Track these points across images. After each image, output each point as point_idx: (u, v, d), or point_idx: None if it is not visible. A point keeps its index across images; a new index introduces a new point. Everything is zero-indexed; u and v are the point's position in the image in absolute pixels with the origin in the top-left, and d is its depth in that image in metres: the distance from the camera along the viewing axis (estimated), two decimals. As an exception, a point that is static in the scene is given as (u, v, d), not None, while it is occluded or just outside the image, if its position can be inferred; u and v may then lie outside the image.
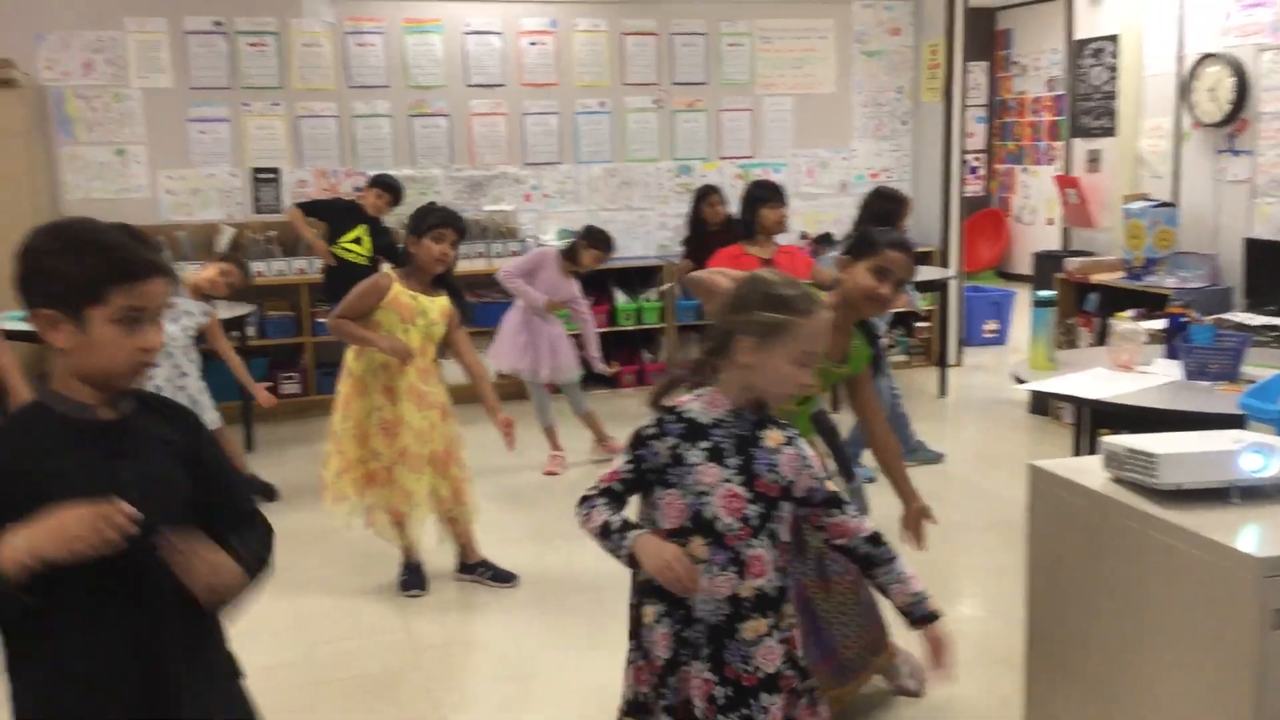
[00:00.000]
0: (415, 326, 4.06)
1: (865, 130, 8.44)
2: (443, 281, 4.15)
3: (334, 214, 6.67)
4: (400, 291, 4.06)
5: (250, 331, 6.92)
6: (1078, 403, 3.57)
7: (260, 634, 3.94)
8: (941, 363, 7.67)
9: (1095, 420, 3.75)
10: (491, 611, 4.15)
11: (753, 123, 8.17)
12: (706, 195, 6.90)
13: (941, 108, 8.21)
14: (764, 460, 2.17)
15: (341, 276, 6.10)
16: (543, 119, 7.73)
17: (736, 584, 2.14)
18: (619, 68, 7.84)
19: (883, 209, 5.60)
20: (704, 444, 2.16)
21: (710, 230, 6.76)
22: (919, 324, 8.38)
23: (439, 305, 4.11)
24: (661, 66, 7.92)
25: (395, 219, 6.67)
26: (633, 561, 2.12)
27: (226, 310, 6.12)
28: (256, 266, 7.00)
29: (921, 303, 8.22)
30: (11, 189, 6.38)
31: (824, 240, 7.22)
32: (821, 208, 8.34)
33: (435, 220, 4.03)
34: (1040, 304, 4.04)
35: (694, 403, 2.22)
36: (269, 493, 5.45)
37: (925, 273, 7.62)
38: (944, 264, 8.29)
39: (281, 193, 7.30)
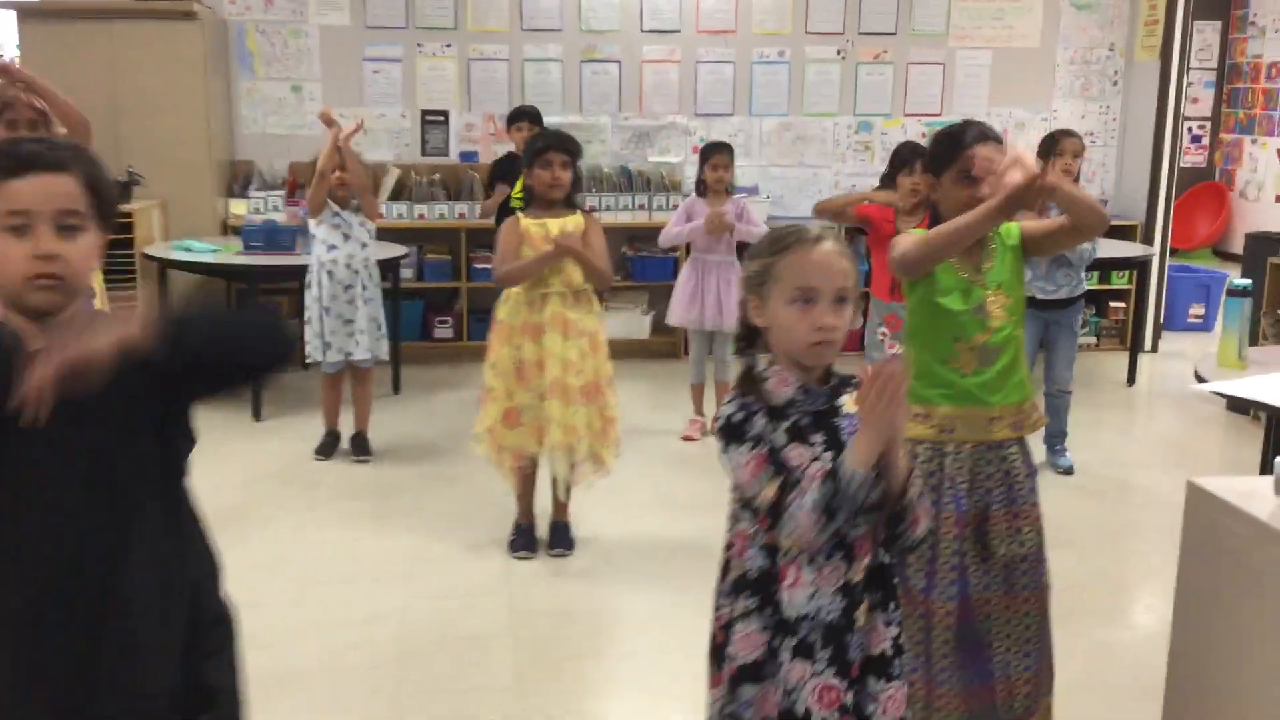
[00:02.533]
0: None
1: (1070, 90, 7.78)
2: (571, 202, 4.04)
3: (508, 172, 6.49)
4: (529, 224, 3.98)
5: (407, 274, 6.91)
6: (1261, 409, 3.09)
7: (363, 581, 3.89)
8: (1133, 347, 7.02)
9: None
10: (601, 582, 3.96)
11: (944, 77, 7.64)
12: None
13: (1158, 68, 7.48)
14: (850, 428, 1.91)
15: None
16: (717, 68, 7.42)
17: (845, 570, 1.90)
18: (801, 15, 7.43)
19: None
20: (784, 424, 1.91)
21: None
22: (1114, 304, 7.72)
23: (571, 225, 3.98)
24: (847, 15, 7.47)
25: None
26: (877, 479, 1.80)
27: (382, 253, 6.09)
28: (419, 210, 6.99)
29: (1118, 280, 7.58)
30: (189, 120, 6.52)
31: None
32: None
33: (540, 146, 3.96)
34: (1234, 293, 3.53)
35: (766, 384, 1.95)
36: (364, 449, 5.22)
37: (1122, 249, 6.98)
38: (1147, 240, 7.59)
39: (450, 136, 7.26)
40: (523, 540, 4.15)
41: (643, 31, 7.30)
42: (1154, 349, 7.64)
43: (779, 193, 7.52)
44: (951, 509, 2.58)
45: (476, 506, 4.57)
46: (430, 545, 4.23)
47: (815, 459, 1.88)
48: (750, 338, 1.99)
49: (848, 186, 7.55)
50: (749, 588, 1.94)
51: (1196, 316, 8.33)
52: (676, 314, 5.58)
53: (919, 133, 7.58)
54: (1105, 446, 5.60)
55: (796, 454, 1.88)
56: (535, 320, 3.95)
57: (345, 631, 3.51)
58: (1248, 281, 3.54)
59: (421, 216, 6.98)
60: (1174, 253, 10.43)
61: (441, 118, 7.24)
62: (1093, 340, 7.68)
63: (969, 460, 2.61)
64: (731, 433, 1.92)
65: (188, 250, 5.92)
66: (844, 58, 7.53)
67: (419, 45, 7.15)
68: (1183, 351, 7.71)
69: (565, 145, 3.95)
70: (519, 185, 6.24)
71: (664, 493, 4.86)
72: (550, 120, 7.12)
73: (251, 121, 7.09)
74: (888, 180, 4.85)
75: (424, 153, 7.26)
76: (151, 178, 6.43)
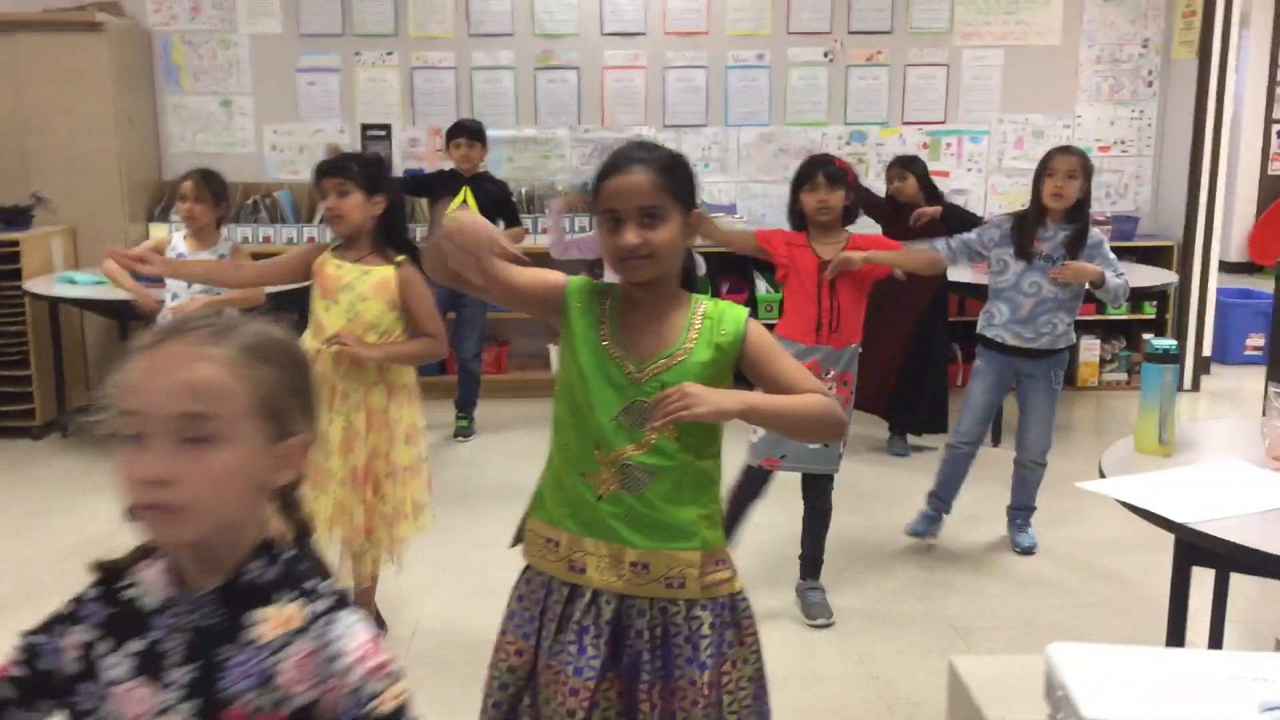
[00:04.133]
0: (337, 303, 3.20)
1: (1096, 92, 6.83)
2: (396, 241, 3.27)
3: (433, 187, 5.84)
4: (326, 259, 3.23)
5: (342, 303, 6.34)
6: (1153, 520, 2.26)
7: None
8: (1159, 389, 6.04)
9: (1192, 553, 2.37)
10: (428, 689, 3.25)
11: (948, 80, 6.76)
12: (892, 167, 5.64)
13: (1196, 66, 6.50)
14: (244, 667, 1.17)
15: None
16: (688, 74, 6.67)
17: None
18: (783, 13, 6.64)
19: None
20: (136, 644, 1.19)
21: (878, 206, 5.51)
22: (1147, 335, 6.74)
23: (374, 277, 3.19)
24: (835, 12, 6.65)
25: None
26: None
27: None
28: (354, 232, 6.39)
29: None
30: (99, 138, 6.03)
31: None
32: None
33: (319, 170, 3.22)
34: (1153, 358, 2.68)
35: (149, 570, 1.24)
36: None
37: (1150, 276, 6.03)
38: (1185, 262, 6.60)
39: (393, 151, 6.65)
40: None
41: (604, 35, 6.60)
42: (1195, 387, 6.64)
43: (760, 211, 6.74)
44: (569, 667, 1.84)
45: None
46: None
47: (163, 712, 1.16)
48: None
49: (833, 204, 6.76)
50: None
51: (1255, 349, 7.28)
52: None
53: (920, 143, 6.74)
54: (1091, 517, 4.69)
55: (138, 700, 1.17)
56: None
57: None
58: (1171, 342, 2.67)
59: (357, 241, 6.38)
60: (1258, 271, 9.34)
61: (383, 132, 6.64)
62: (1123, 378, 6.72)
63: (614, 604, 1.88)
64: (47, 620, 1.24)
65: (71, 283, 5.42)
66: (832, 60, 6.71)
67: (357, 54, 6.57)
68: (1231, 391, 6.71)
69: (342, 168, 3.23)
70: (455, 204, 5.63)
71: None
72: (501, 134, 6.54)
73: (180, 139, 6.59)
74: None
75: (365, 171, 6.66)
76: (61, 201, 5.97)
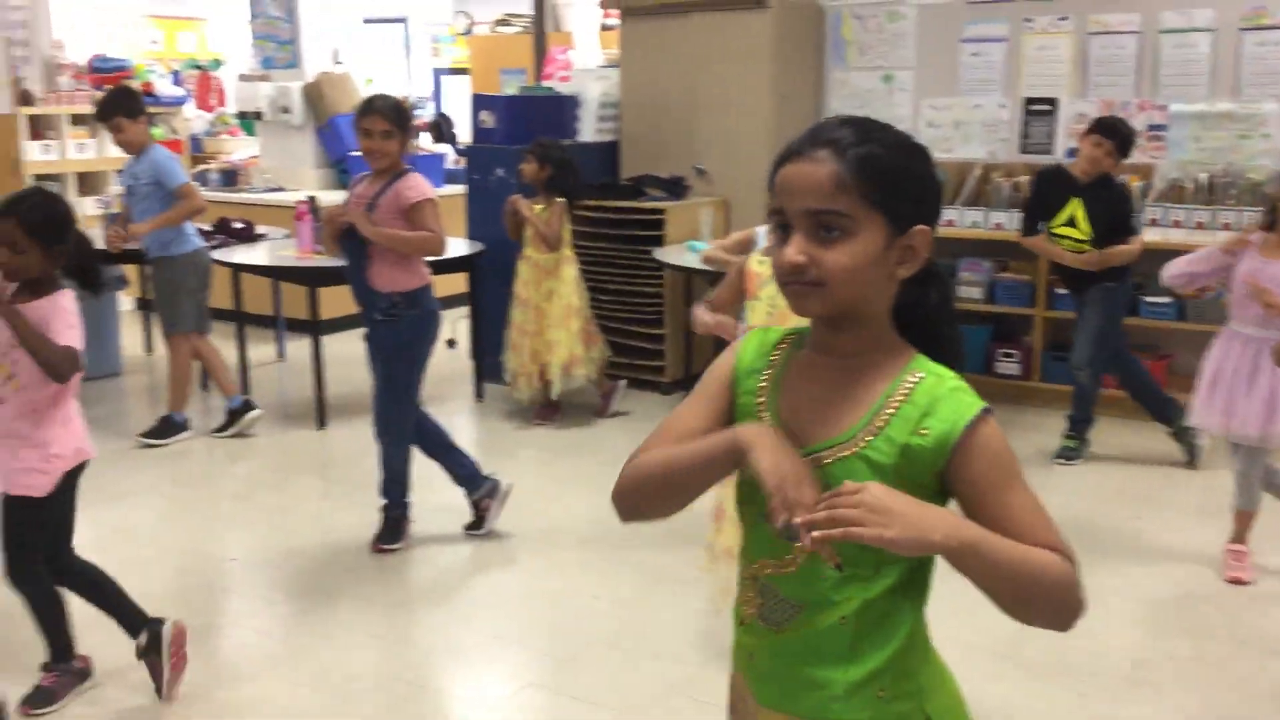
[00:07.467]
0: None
1: None
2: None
3: (1043, 191, 5.01)
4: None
5: (975, 294, 5.82)
6: None
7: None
8: None
9: None
10: None
11: None
12: None
13: None
14: None
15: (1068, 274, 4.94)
16: None
17: None
18: None
19: None
20: None
21: None
22: None
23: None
24: None
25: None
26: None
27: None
28: (996, 218, 5.82)
29: None
30: (756, 114, 6.17)
31: None
32: None
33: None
34: None
35: None
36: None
37: None
38: None
39: (1056, 129, 5.91)
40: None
41: (1343, -20, 5.20)
42: None
43: None
44: None
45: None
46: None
47: None
48: None
49: None
50: None
51: None
52: (1196, 408, 3.85)
53: None
54: None
55: None
56: None
57: None
58: None
59: (999, 226, 5.79)
60: None
61: (1048, 106, 5.92)
62: None
63: None
64: None
65: (692, 251, 5.62)
66: None
67: (1027, 20, 5.91)
68: None
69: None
70: (1062, 215, 4.83)
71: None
72: (1188, 110, 5.65)
73: (840, 115, 6.51)
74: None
75: (1023, 149, 6.01)
76: (718, 174, 6.25)
